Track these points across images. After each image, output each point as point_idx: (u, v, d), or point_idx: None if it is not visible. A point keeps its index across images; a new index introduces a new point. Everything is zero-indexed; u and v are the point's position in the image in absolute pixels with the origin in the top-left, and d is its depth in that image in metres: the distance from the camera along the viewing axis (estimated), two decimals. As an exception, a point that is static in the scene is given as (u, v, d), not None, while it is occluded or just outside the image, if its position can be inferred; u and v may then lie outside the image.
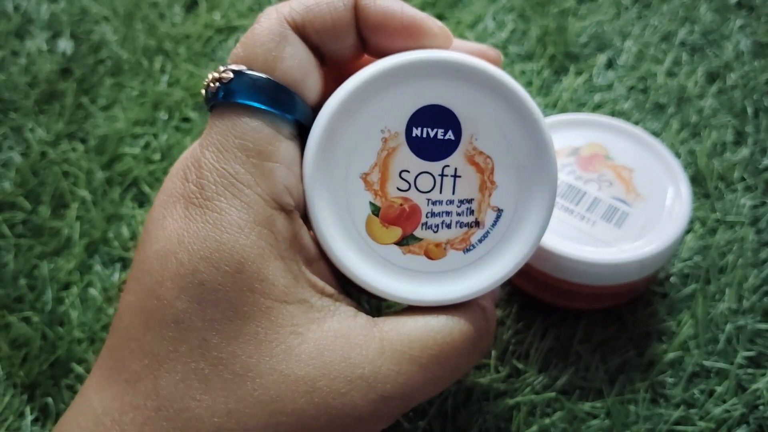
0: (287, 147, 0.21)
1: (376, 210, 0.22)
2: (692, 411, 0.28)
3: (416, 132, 0.21)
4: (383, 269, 0.22)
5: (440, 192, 0.22)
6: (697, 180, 0.36)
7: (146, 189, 0.37)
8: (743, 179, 0.36)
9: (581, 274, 0.28)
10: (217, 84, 0.20)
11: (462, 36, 0.44)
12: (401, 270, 0.22)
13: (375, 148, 0.21)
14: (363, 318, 0.21)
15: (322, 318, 0.20)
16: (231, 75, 0.20)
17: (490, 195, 0.22)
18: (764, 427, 0.28)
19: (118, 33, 0.45)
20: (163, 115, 0.40)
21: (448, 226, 0.22)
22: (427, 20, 0.21)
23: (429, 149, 0.21)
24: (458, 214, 0.22)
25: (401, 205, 0.22)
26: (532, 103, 0.21)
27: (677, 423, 0.28)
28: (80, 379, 0.30)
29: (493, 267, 0.22)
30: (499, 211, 0.22)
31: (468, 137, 0.21)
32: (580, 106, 0.40)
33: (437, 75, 0.21)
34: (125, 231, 0.35)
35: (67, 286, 0.33)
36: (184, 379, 0.19)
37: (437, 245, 0.22)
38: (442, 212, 0.22)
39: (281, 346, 0.19)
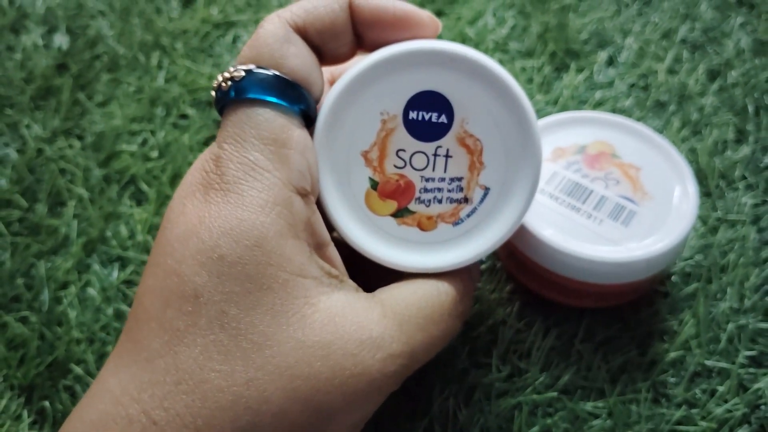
0: (299, 135, 0.22)
1: (374, 184, 0.23)
2: (694, 411, 0.28)
3: (413, 115, 0.23)
4: (380, 238, 0.24)
5: (433, 170, 0.23)
6: (698, 178, 0.36)
7: (144, 187, 0.37)
8: (744, 177, 0.36)
9: (588, 272, 0.28)
10: (229, 83, 0.21)
11: (462, 32, 0.44)
12: (396, 239, 0.24)
13: (375, 128, 0.23)
14: (363, 292, 0.23)
15: (330, 291, 0.21)
16: (243, 73, 0.21)
17: (478, 174, 0.23)
18: (766, 427, 0.28)
19: (115, 28, 0.44)
20: (160, 112, 0.40)
21: (440, 201, 0.24)
22: (417, 12, 0.23)
23: (424, 131, 0.23)
24: (449, 191, 0.24)
25: (397, 180, 0.23)
26: (520, 91, 0.22)
27: (679, 423, 0.28)
28: (79, 380, 0.30)
29: (479, 240, 0.24)
30: (487, 189, 0.24)
31: (460, 121, 0.23)
32: (580, 104, 0.40)
33: (433, 63, 0.22)
34: (123, 230, 0.35)
35: (65, 286, 0.33)
36: (203, 351, 0.19)
37: (429, 218, 0.24)
38: (434, 188, 0.24)
39: (296, 315, 0.20)
